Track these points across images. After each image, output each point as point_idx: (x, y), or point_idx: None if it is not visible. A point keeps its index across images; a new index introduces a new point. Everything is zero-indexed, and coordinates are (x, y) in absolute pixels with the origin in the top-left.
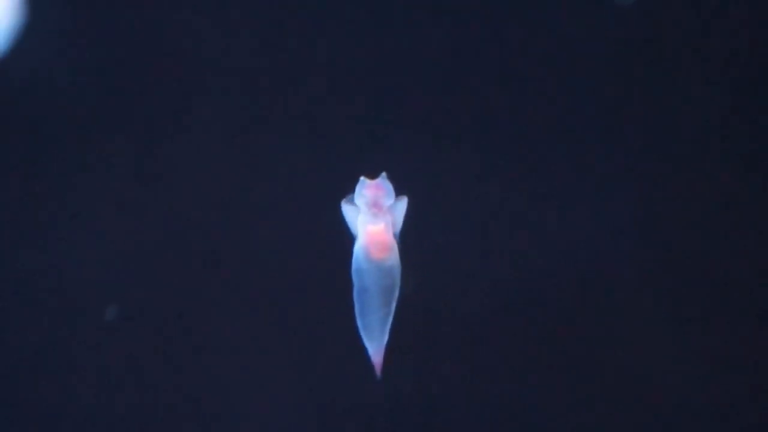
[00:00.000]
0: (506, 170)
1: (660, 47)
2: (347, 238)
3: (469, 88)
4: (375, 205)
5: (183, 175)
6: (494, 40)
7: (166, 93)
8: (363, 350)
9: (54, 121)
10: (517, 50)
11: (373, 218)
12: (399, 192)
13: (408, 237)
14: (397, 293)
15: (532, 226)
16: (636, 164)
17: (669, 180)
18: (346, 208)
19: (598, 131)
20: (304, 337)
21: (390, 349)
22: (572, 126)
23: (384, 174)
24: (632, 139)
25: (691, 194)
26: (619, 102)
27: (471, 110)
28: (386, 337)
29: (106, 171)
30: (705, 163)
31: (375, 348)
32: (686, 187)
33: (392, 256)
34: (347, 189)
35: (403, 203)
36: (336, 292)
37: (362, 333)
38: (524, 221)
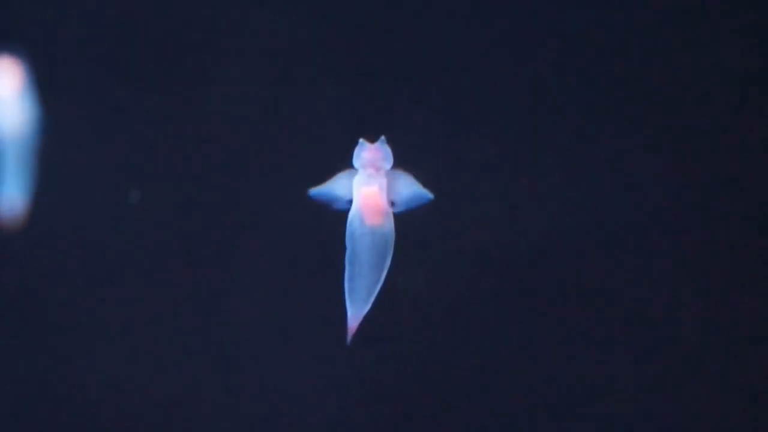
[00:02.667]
0: (511, 146)
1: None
2: (344, 204)
3: (477, 62)
4: (372, 168)
5: (191, 142)
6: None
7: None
8: (342, 313)
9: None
10: (530, 24)
11: (369, 180)
12: (398, 159)
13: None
14: (388, 262)
15: (534, 204)
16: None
17: (675, 175)
18: (344, 174)
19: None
20: (288, 293)
21: (368, 321)
22: (576, 104)
23: (383, 138)
24: (645, 127)
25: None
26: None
27: (478, 83)
28: (368, 307)
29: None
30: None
31: (354, 314)
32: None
33: (386, 223)
34: (347, 154)
35: (402, 177)
36: (329, 255)
37: (347, 297)
38: (526, 200)
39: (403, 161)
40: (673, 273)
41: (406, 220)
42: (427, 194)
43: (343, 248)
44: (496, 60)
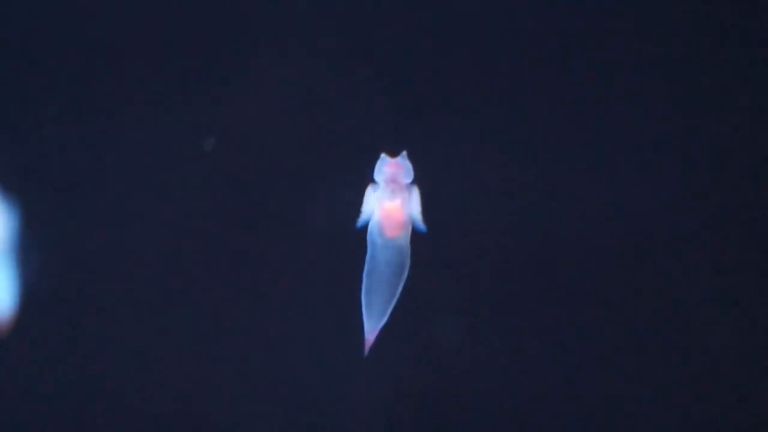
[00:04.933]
0: (528, 156)
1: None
2: (364, 214)
3: (494, 73)
4: (393, 182)
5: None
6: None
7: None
8: (360, 326)
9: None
10: (542, 38)
11: (390, 195)
12: (418, 171)
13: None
14: (405, 275)
15: (546, 217)
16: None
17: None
18: (367, 187)
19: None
20: (306, 303)
21: (385, 333)
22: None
23: (404, 153)
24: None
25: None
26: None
27: (495, 94)
28: (385, 320)
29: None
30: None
31: (371, 327)
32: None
33: (404, 235)
34: (369, 167)
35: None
36: (348, 267)
37: (364, 310)
38: (540, 212)
39: (423, 176)
40: (687, 278)
41: (422, 233)
42: (421, 226)
43: (361, 260)
44: (516, 76)
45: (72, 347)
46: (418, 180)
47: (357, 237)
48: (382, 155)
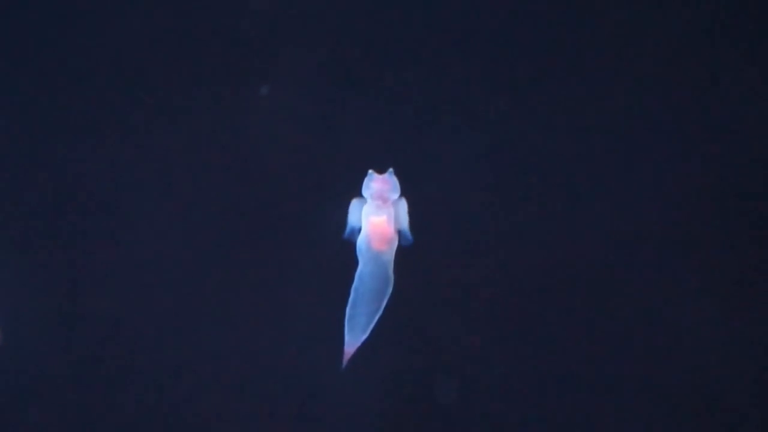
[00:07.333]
0: (518, 171)
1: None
2: (352, 230)
3: (482, 89)
4: (380, 198)
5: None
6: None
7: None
8: (340, 339)
9: None
10: (529, 47)
11: (377, 210)
12: (405, 188)
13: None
14: (389, 290)
15: (535, 233)
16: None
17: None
18: (355, 202)
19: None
20: (292, 315)
21: (365, 348)
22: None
23: (391, 169)
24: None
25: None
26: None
27: (483, 110)
28: (365, 335)
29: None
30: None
31: (351, 341)
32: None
33: (390, 250)
34: (357, 183)
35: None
36: (334, 281)
37: (346, 323)
38: (529, 229)
39: (410, 192)
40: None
41: (408, 247)
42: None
43: (347, 273)
44: (505, 91)
45: (74, 347)
46: (405, 195)
47: (347, 251)
48: (370, 171)
